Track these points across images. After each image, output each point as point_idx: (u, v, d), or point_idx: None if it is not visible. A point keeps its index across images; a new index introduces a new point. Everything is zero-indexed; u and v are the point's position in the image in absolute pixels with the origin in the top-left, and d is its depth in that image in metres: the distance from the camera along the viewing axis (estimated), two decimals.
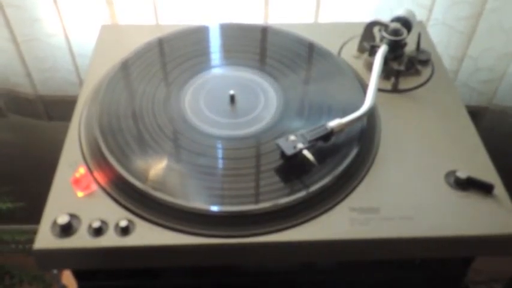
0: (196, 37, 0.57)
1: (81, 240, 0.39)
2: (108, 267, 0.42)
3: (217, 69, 0.54)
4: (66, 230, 0.39)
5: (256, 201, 0.41)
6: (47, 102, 0.76)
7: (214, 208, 0.40)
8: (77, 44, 0.69)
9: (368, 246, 0.41)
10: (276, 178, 0.43)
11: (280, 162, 0.43)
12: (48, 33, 0.67)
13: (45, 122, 0.78)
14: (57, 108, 0.76)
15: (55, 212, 0.40)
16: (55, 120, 0.78)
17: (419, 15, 0.61)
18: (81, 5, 0.65)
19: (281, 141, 0.43)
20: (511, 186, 0.44)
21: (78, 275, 0.45)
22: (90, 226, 0.39)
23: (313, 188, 0.41)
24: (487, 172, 0.44)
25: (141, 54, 0.54)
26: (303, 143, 0.42)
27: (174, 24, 0.59)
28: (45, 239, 0.39)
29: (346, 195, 0.42)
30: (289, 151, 0.42)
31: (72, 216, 0.40)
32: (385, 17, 0.54)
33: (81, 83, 0.73)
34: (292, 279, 0.48)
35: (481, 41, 0.66)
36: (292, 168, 0.43)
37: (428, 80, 0.54)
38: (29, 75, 0.72)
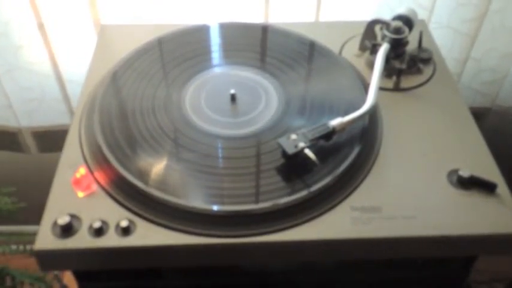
0: (196, 36, 0.57)
1: (82, 240, 0.39)
2: (109, 267, 0.42)
3: (218, 68, 0.54)
4: (67, 230, 0.39)
5: (258, 201, 0.41)
6: (34, 135, 0.72)
7: (215, 208, 0.40)
8: (65, 71, 0.67)
9: (370, 246, 0.40)
10: (277, 177, 0.42)
11: (281, 161, 0.43)
12: (32, 60, 0.65)
13: (34, 154, 0.75)
14: (47, 140, 0.73)
15: (55, 212, 0.40)
16: (45, 152, 0.74)
17: (420, 16, 0.60)
18: (68, 30, 0.64)
19: (282, 140, 0.42)
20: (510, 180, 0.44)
21: (78, 276, 0.44)
22: (90, 226, 0.39)
23: (315, 187, 0.41)
24: (490, 171, 0.44)
25: (141, 53, 0.54)
26: (305, 142, 0.42)
27: (173, 24, 0.59)
28: (45, 239, 0.39)
29: (348, 195, 0.42)
30: (290, 150, 0.42)
31: (73, 216, 0.40)
32: (386, 16, 0.54)
33: (71, 111, 0.70)
34: (293, 279, 0.47)
35: (484, 42, 0.66)
36: (294, 167, 0.43)
37: (430, 79, 0.53)
38: (10, 106, 0.68)
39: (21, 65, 0.66)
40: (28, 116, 0.71)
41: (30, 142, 0.74)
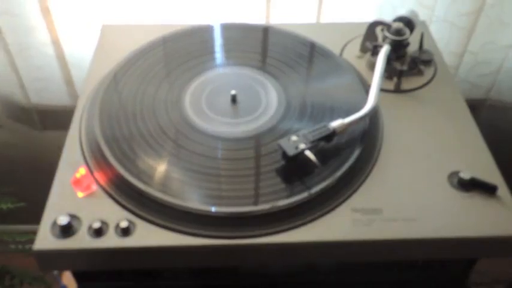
0: (197, 37, 0.57)
1: (82, 241, 0.38)
2: (109, 268, 0.42)
3: (219, 69, 0.54)
4: (66, 230, 0.39)
5: (257, 202, 0.41)
6: (41, 112, 0.74)
7: (215, 209, 0.40)
8: (70, 54, 0.68)
9: (371, 248, 0.40)
10: (278, 179, 0.42)
11: (281, 163, 0.43)
12: (42, 42, 0.66)
13: (39, 131, 0.76)
14: (51, 118, 0.75)
15: (55, 212, 0.40)
16: (49, 129, 0.76)
17: (422, 15, 0.60)
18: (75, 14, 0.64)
19: (283, 142, 0.42)
20: (510, 180, 0.44)
21: (78, 276, 0.44)
22: (90, 227, 0.39)
23: (315, 188, 0.41)
24: (491, 173, 0.44)
25: (143, 54, 0.54)
26: (305, 144, 0.42)
27: (175, 24, 0.59)
28: (45, 239, 0.39)
29: (349, 196, 0.42)
30: (291, 152, 0.42)
31: (73, 216, 0.39)
32: (388, 17, 0.54)
33: (72, 93, 0.71)
34: (294, 280, 0.47)
35: (481, 36, 0.66)
36: (294, 169, 0.43)
37: (431, 80, 0.53)
38: (22, 85, 0.70)
39: (33, 45, 0.67)
40: (36, 94, 0.72)
41: (38, 119, 0.76)
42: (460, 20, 0.64)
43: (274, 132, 0.46)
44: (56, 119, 0.75)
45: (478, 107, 0.73)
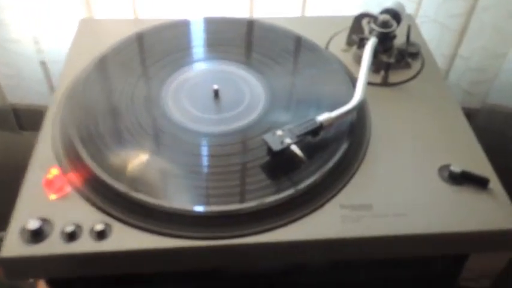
0: (178, 31, 0.55)
1: (53, 246, 0.36)
2: (84, 274, 0.39)
3: (201, 63, 0.52)
4: (37, 235, 0.36)
5: (243, 200, 0.39)
6: (16, 111, 0.72)
7: (199, 208, 0.38)
8: (47, 51, 0.66)
9: (360, 245, 0.39)
10: (263, 175, 0.41)
11: (267, 158, 0.41)
12: (12, 38, 0.64)
13: (16, 132, 0.74)
14: (26, 118, 0.73)
15: (25, 216, 0.37)
16: (26, 130, 0.74)
17: (408, 10, 0.60)
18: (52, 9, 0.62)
19: (268, 137, 0.41)
20: (505, 184, 0.43)
21: (52, 285, 0.42)
22: (63, 231, 0.37)
23: (302, 185, 0.40)
24: (482, 166, 0.43)
25: (121, 49, 0.52)
26: (291, 138, 0.41)
27: (155, 19, 0.57)
28: (13, 246, 0.36)
29: (337, 192, 0.40)
30: (276, 147, 0.40)
31: (44, 220, 0.37)
32: (373, 10, 0.53)
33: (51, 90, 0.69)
34: (282, 280, 0.46)
35: (472, 40, 0.66)
36: (280, 164, 0.41)
37: (418, 73, 0.53)
38: None
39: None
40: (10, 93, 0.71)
41: (13, 119, 0.73)
42: (450, 21, 0.64)
43: (258, 127, 0.45)
44: (33, 119, 0.72)
45: (472, 116, 0.72)
